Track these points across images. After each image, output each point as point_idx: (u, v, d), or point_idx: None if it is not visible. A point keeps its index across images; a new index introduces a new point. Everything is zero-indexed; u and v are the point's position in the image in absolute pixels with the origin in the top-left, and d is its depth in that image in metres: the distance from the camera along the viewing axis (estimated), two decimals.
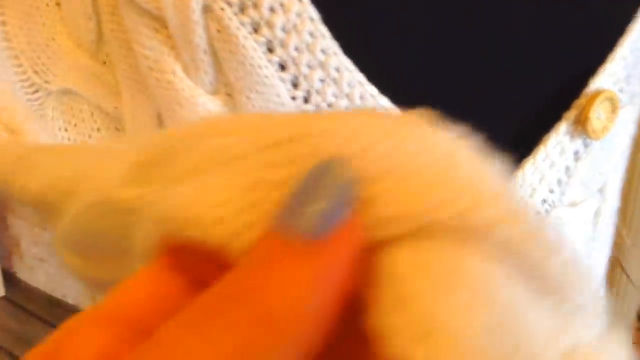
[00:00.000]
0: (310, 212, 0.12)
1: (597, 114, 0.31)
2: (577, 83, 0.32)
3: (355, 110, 0.17)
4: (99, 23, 0.30)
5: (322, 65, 0.26)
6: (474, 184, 0.13)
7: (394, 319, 0.12)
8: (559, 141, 0.32)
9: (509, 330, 0.12)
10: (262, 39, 0.25)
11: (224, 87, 0.27)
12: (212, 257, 0.13)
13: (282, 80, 0.26)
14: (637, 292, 1.10)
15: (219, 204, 0.13)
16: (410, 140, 0.13)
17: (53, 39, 0.32)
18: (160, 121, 0.29)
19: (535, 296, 0.13)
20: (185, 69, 0.27)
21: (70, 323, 0.13)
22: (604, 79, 0.32)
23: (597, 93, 0.31)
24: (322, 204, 0.12)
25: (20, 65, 0.32)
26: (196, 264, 0.14)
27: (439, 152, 0.13)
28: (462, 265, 0.12)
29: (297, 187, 0.13)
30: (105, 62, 0.30)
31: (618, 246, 1.10)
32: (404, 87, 0.29)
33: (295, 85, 0.26)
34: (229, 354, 0.11)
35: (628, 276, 1.07)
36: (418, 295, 0.12)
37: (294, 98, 0.27)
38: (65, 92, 0.33)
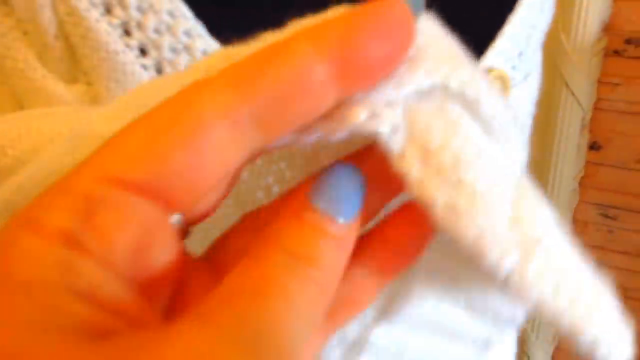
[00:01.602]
0: (340, 200, 0.16)
1: None
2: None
3: None
4: None
5: (188, 49, 0.24)
6: (453, 57, 0.17)
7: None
8: None
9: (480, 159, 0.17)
10: (117, 21, 0.23)
11: (84, 75, 0.25)
12: None
13: (144, 66, 0.24)
14: None
15: None
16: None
17: None
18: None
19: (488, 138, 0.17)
20: (40, 56, 0.25)
21: None
22: (494, 57, 0.31)
23: (487, 72, 0.30)
24: (349, 195, 0.16)
25: None
26: None
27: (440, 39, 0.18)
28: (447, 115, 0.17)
29: (322, 176, 0.17)
30: None
31: None
32: None
33: (159, 71, 0.24)
34: None
35: None
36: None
37: None
38: None
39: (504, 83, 0.31)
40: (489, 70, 0.31)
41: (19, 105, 0.28)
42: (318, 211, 0.16)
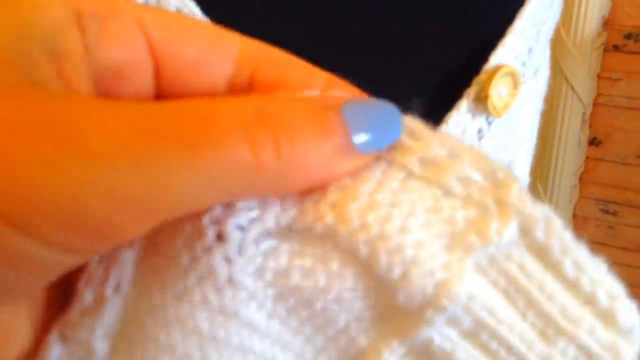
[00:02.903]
0: (371, 134, 0.16)
1: (498, 90, 0.30)
2: (478, 59, 0.31)
3: None
4: None
5: None
6: None
7: None
8: (460, 120, 0.30)
9: None
10: None
11: None
12: None
13: None
14: None
15: None
16: None
17: None
18: None
19: None
20: None
21: None
22: (504, 53, 0.30)
23: (497, 68, 0.30)
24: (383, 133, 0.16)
25: None
26: None
27: None
28: None
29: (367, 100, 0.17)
30: None
31: None
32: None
33: None
34: None
35: None
36: None
37: None
38: None
39: (514, 80, 0.31)
40: (499, 67, 0.30)
41: None
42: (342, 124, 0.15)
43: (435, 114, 0.31)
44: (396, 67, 0.30)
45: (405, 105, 0.31)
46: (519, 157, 0.35)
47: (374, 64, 0.29)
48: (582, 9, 1.04)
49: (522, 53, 0.32)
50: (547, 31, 0.34)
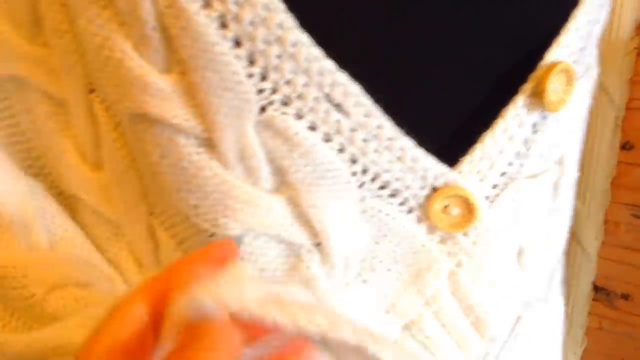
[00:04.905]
0: None
1: (554, 86, 0.31)
2: (533, 55, 0.32)
3: None
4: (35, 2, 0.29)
5: (279, 40, 0.25)
6: None
7: None
8: (517, 114, 0.32)
9: None
10: (215, 14, 0.24)
11: (177, 65, 0.26)
12: None
13: (238, 57, 0.25)
14: (592, 264, 1.13)
15: None
16: None
17: None
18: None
19: None
20: (136, 47, 0.26)
21: None
22: (560, 50, 0.32)
23: (553, 65, 0.31)
24: None
25: None
26: None
27: None
28: None
29: None
30: (45, 44, 0.29)
31: (573, 218, 1.11)
32: (362, 61, 0.28)
33: (251, 62, 0.25)
34: None
35: (583, 248, 1.10)
36: None
37: (250, 76, 0.26)
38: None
39: (568, 76, 0.32)
40: (556, 63, 0.31)
41: (88, 84, 0.29)
42: None
43: (493, 108, 0.32)
44: (454, 64, 0.31)
45: (463, 98, 0.32)
46: (571, 152, 0.36)
47: (432, 62, 0.31)
48: (615, 13, 1.04)
49: (575, 51, 0.33)
50: (598, 31, 0.35)
